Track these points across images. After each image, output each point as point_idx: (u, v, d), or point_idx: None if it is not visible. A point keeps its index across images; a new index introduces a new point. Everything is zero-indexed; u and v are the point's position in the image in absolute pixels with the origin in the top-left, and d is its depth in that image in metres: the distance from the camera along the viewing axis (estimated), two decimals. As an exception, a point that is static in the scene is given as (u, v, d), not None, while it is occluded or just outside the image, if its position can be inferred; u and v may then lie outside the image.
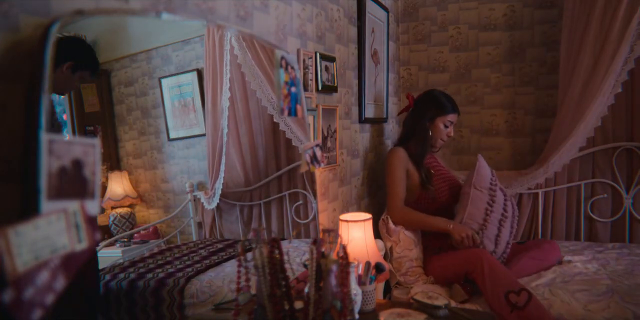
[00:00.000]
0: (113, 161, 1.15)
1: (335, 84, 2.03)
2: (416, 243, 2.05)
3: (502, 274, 1.71)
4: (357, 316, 1.30)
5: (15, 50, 0.75)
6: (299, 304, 1.04)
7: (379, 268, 1.48)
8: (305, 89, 1.73)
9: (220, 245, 1.42)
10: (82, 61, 1.01)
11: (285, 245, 1.03)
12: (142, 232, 1.26)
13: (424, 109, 2.22)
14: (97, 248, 1.08)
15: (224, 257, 1.36)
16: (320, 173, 1.90)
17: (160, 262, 1.27)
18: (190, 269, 1.28)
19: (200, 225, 1.43)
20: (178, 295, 1.18)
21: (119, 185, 1.18)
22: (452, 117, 2.20)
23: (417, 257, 2.04)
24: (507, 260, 2.00)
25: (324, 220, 1.93)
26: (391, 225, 2.04)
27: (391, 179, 2.13)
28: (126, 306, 1.15)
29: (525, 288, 1.66)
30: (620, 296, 1.69)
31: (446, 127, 2.20)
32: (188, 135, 1.36)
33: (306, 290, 1.03)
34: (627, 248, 2.29)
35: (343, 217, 1.65)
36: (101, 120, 1.11)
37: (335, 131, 2.04)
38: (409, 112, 2.31)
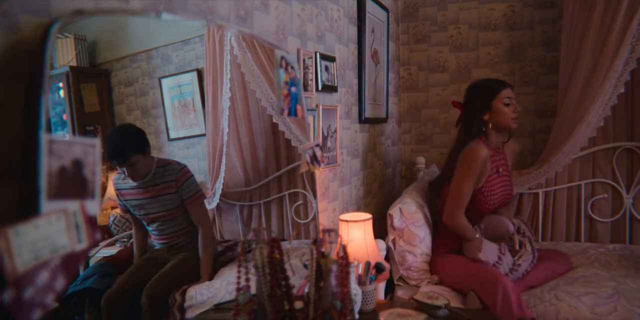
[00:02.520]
0: (113, 161, 1.15)
1: (335, 84, 2.03)
2: (421, 239, 2.00)
3: (515, 302, 1.63)
4: (357, 316, 1.30)
5: (15, 50, 0.75)
6: (299, 304, 1.04)
7: (379, 268, 1.48)
8: (305, 89, 1.73)
9: (220, 248, 1.42)
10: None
11: (285, 245, 1.03)
12: (133, 232, 1.25)
13: (474, 102, 2.00)
14: (97, 248, 1.09)
15: (223, 260, 1.36)
16: (320, 173, 1.90)
17: (160, 262, 1.28)
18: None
19: (200, 225, 1.43)
20: (180, 297, 1.18)
21: (119, 185, 1.18)
22: (507, 93, 1.97)
23: (422, 253, 2.00)
24: None
25: (324, 220, 1.93)
26: (396, 222, 2.00)
27: (463, 183, 1.94)
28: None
29: (534, 318, 1.61)
30: (626, 299, 1.68)
31: (507, 104, 1.97)
32: (188, 135, 1.36)
33: (306, 290, 1.03)
34: (629, 249, 2.29)
35: (343, 217, 1.65)
36: (101, 120, 1.11)
37: (335, 131, 2.04)
38: (462, 118, 2.09)
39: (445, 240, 2.05)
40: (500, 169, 2.03)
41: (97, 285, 1.05)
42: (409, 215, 2.01)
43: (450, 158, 2.07)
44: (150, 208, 1.21)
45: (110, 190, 1.16)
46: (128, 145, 1.13)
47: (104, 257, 1.12)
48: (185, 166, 1.26)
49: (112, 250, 1.18)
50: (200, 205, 1.30)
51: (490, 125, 2.00)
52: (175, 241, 1.27)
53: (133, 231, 1.21)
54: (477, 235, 1.92)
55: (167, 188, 1.21)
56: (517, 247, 1.94)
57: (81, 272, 1.06)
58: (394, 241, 2.01)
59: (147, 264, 1.21)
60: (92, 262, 1.09)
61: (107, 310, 1.05)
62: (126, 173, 1.14)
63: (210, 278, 1.27)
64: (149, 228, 1.25)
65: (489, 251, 1.88)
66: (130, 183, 1.17)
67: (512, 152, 2.20)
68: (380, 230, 2.12)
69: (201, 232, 1.29)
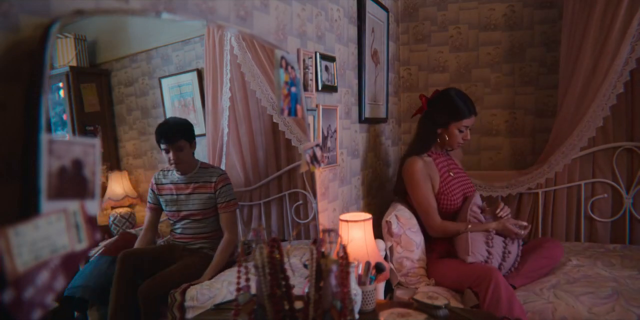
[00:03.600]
0: (113, 161, 1.15)
1: (335, 84, 2.03)
2: (417, 245, 2.04)
3: (505, 299, 1.65)
4: (357, 316, 1.30)
5: (15, 50, 0.75)
6: (299, 304, 1.04)
7: (379, 268, 1.48)
8: (305, 89, 1.73)
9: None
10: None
11: (285, 245, 1.03)
12: (142, 232, 1.26)
13: (436, 113, 2.11)
14: (97, 248, 1.10)
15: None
16: (320, 173, 1.90)
17: (160, 262, 1.28)
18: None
19: (200, 225, 1.43)
20: (180, 296, 1.18)
21: (119, 185, 1.18)
22: (467, 122, 2.07)
23: (419, 259, 2.03)
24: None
25: (324, 220, 1.93)
26: (394, 228, 2.02)
27: (419, 194, 2.06)
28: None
29: (521, 319, 1.62)
30: (625, 299, 1.68)
31: (461, 131, 2.09)
32: (188, 135, 1.36)
33: (306, 290, 1.03)
34: (629, 249, 2.29)
35: (343, 217, 1.65)
36: (101, 120, 1.11)
37: (335, 131, 2.04)
38: (422, 115, 2.21)
39: (433, 246, 2.10)
40: (452, 173, 2.15)
41: (87, 294, 1.06)
42: (406, 220, 2.05)
43: (400, 165, 2.21)
44: (184, 204, 1.28)
45: (111, 190, 1.16)
46: (177, 129, 1.23)
47: (100, 253, 1.12)
48: (225, 173, 1.37)
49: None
50: (232, 212, 1.36)
51: (439, 139, 2.14)
52: (193, 243, 1.30)
53: (142, 233, 1.24)
54: (470, 226, 1.96)
55: (206, 187, 1.29)
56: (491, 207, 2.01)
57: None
58: (391, 248, 2.02)
59: (166, 250, 1.26)
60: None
61: (121, 265, 1.10)
62: (172, 159, 1.22)
63: (210, 279, 1.28)
64: (175, 226, 1.29)
65: (476, 249, 1.90)
66: (172, 178, 1.27)
67: (460, 157, 2.41)
68: (381, 230, 2.12)
69: (226, 236, 1.34)
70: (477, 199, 2.06)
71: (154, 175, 1.25)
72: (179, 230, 1.29)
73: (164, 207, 1.27)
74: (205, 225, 1.31)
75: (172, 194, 1.26)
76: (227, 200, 1.33)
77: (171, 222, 1.29)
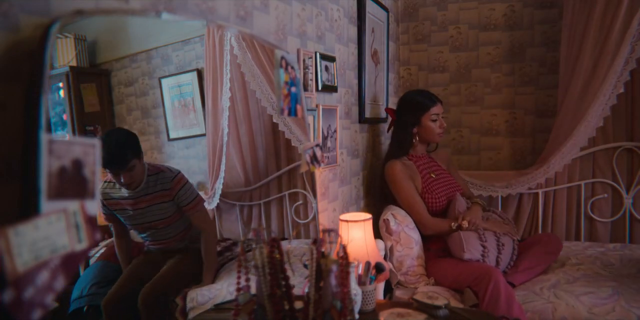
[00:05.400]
0: (113, 161, 1.15)
1: (335, 84, 2.03)
2: (416, 242, 2.05)
3: (504, 299, 1.65)
4: (357, 316, 1.30)
5: (15, 50, 0.75)
6: (299, 304, 1.04)
7: (379, 268, 1.48)
8: (305, 89, 1.73)
9: (218, 247, 1.42)
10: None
11: (285, 245, 1.03)
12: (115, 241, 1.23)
13: (405, 116, 2.22)
14: (97, 248, 1.09)
15: (221, 261, 1.36)
16: (320, 173, 1.90)
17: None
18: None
19: (200, 225, 1.43)
20: (181, 301, 1.18)
21: (119, 185, 1.18)
22: (435, 110, 2.18)
23: (418, 256, 2.04)
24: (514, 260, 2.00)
25: (324, 220, 1.93)
26: (392, 225, 2.03)
27: (404, 193, 2.12)
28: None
29: (520, 318, 1.62)
30: (625, 300, 1.68)
31: (434, 121, 2.19)
32: (188, 135, 1.36)
33: (306, 290, 1.03)
34: (629, 249, 2.29)
35: (343, 217, 1.65)
36: (101, 120, 1.11)
37: (335, 131, 2.04)
38: (394, 125, 2.31)
39: (428, 244, 2.12)
40: (433, 175, 2.19)
41: (99, 300, 1.03)
42: (402, 218, 2.07)
43: (381, 171, 2.27)
44: (143, 218, 1.16)
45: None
46: (126, 149, 1.08)
47: (101, 255, 1.11)
48: (178, 173, 1.20)
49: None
50: (200, 210, 1.28)
51: (417, 137, 2.22)
52: (170, 246, 1.25)
53: (115, 242, 1.13)
54: (453, 224, 2.00)
55: (162, 197, 1.16)
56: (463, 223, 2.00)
57: (81, 272, 1.06)
58: (391, 248, 2.03)
59: (142, 265, 1.18)
60: (91, 262, 1.09)
61: (107, 315, 1.04)
62: (122, 180, 1.07)
63: (212, 281, 1.27)
64: (142, 235, 1.21)
65: (472, 246, 1.92)
66: (121, 193, 1.11)
67: (445, 158, 2.41)
68: (380, 231, 2.12)
69: (204, 236, 1.28)
70: (460, 206, 2.08)
71: (99, 188, 1.07)
72: (148, 238, 1.22)
73: (122, 220, 1.14)
74: (172, 230, 1.23)
75: (125, 209, 1.12)
76: (190, 201, 1.22)
77: (136, 232, 1.20)
